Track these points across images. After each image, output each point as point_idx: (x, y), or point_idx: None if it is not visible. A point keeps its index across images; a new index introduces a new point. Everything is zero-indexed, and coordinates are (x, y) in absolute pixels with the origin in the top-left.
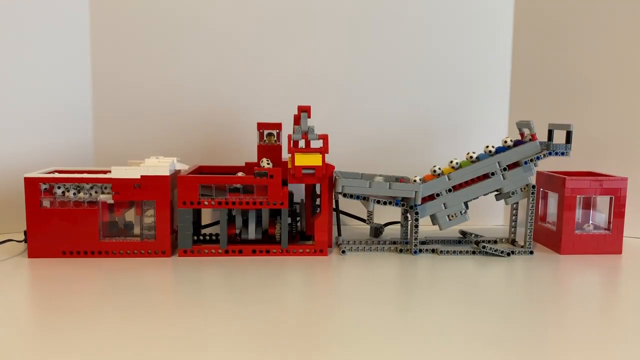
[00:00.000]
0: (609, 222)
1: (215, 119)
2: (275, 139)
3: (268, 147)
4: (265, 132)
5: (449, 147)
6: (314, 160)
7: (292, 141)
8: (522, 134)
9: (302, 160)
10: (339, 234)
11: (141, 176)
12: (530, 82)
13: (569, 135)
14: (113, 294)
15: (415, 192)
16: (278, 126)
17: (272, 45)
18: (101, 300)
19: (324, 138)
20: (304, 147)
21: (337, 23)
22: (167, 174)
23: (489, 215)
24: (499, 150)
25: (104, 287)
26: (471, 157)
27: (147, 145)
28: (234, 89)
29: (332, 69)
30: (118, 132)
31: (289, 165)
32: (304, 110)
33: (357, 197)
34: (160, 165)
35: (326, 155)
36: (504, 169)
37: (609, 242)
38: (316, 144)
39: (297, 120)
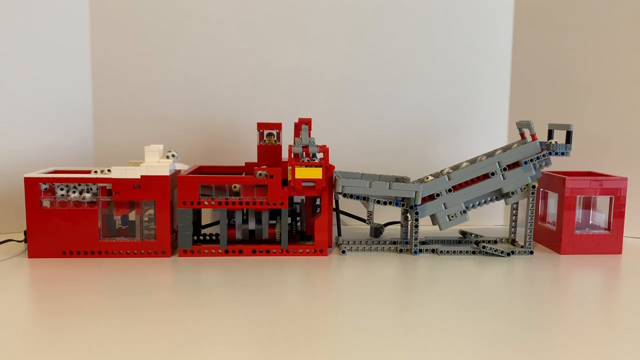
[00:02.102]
0: (609, 222)
1: (216, 119)
2: (275, 139)
3: (268, 147)
4: (265, 132)
5: (449, 147)
6: (315, 173)
7: (292, 154)
8: (522, 134)
9: (302, 173)
10: (339, 234)
11: (141, 176)
12: (530, 82)
13: (569, 135)
14: (113, 294)
15: (415, 192)
16: (278, 126)
17: (272, 45)
18: (101, 300)
19: (325, 151)
20: (304, 159)
21: (338, 23)
22: (167, 174)
23: (489, 215)
24: None
25: (104, 287)
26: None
27: (147, 145)
28: (234, 89)
29: (333, 69)
30: (118, 131)
31: (289, 178)
32: (305, 122)
33: (357, 197)
34: (160, 166)
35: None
36: (504, 169)
37: (609, 242)
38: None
39: (297, 130)
